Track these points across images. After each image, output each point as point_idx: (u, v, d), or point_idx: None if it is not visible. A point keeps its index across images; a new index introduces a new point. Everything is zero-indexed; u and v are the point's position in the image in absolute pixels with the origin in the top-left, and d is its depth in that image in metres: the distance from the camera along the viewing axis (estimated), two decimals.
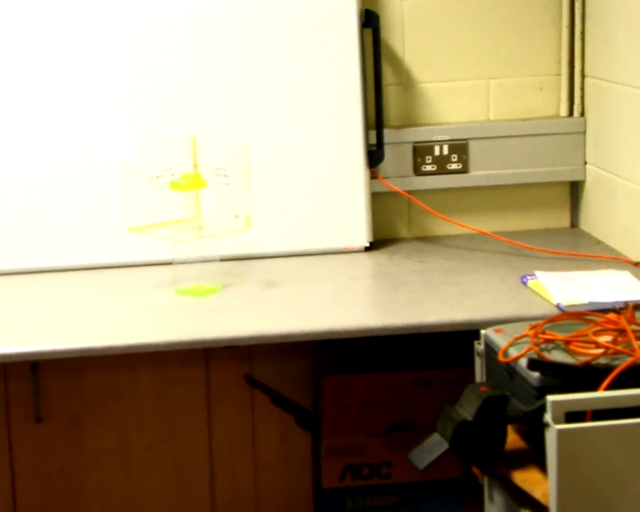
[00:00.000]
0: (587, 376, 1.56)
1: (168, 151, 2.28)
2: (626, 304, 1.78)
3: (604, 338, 1.64)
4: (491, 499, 1.80)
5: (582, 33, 2.54)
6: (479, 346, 1.80)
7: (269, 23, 2.42)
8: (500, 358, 1.68)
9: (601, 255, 2.36)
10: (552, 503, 1.49)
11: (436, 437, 1.63)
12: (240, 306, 2.13)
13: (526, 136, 2.57)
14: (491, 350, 1.75)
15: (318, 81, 2.44)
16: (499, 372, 1.71)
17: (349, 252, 2.48)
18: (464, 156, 2.56)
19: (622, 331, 1.65)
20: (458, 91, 2.59)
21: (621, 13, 2.34)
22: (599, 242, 2.49)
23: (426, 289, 2.19)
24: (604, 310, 1.79)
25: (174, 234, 2.22)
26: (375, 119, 2.50)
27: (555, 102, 2.61)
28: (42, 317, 2.12)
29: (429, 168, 2.56)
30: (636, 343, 1.61)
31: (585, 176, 2.59)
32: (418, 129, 2.57)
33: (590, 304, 1.98)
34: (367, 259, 2.46)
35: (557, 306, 2.00)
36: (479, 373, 1.81)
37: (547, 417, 1.47)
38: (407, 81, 2.58)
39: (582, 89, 2.57)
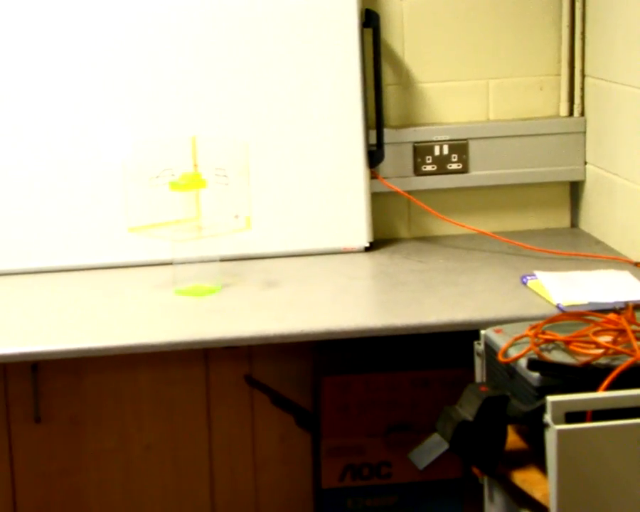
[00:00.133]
0: (587, 376, 1.56)
1: (168, 151, 2.28)
2: (626, 304, 1.78)
3: (604, 339, 1.64)
4: (491, 499, 1.80)
5: (582, 32, 2.54)
6: (479, 346, 1.80)
7: (269, 23, 2.42)
8: (500, 358, 1.67)
9: (601, 255, 2.36)
10: (552, 504, 1.49)
11: (436, 437, 1.63)
12: (239, 307, 2.13)
13: (526, 136, 2.57)
14: (490, 350, 1.75)
15: (318, 81, 2.44)
16: (499, 373, 1.71)
17: (349, 252, 2.48)
18: (464, 156, 2.56)
19: (622, 331, 1.65)
20: (458, 91, 2.59)
21: (622, 13, 2.34)
22: (599, 242, 2.49)
23: (426, 289, 2.19)
24: (604, 310, 1.79)
25: (174, 234, 2.22)
26: (375, 119, 2.50)
27: (555, 101, 2.61)
28: (42, 317, 2.12)
29: (429, 168, 2.56)
30: (636, 344, 1.61)
31: (585, 176, 2.59)
32: (418, 129, 2.56)
33: (590, 304, 1.98)
34: (367, 259, 2.45)
35: (557, 306, 2.00)
36: (479, 373, 1.81)
37: (547, 418, 1.47)
38: (407, 81, 2.58)
39: (582, 89, 2.57)
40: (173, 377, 2.58)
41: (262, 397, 2.55)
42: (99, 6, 2.38)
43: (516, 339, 1.69)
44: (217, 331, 1.99)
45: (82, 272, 2.41)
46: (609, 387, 1.52)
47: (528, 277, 2.18)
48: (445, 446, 1.60)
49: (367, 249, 2.50)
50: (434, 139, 2.56)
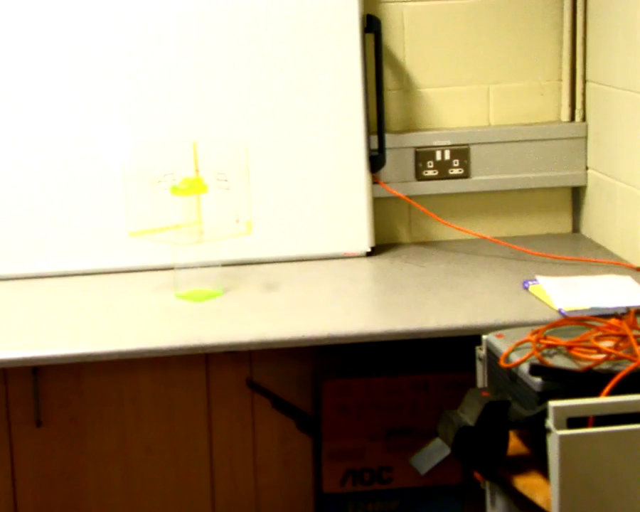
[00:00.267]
0: (589, 382, 1.55)
1: (169, 155, 2.28)
2: (628, 309, 1.78)
3: (606, 344, 1.64)
4: (493, 504, 1.80)
5: (584, 38, 2.54)
6: (481, 351, 1.80)
7: (271, 27, 2.42)
8: (502, 363, 1.67)
9: (602, 260, 2.36)
10: (553, 509, 1.48)
11: (437, 442, 1.63)
12: (240, 311, 2.13)
13: (527, 141, 2.57)
14: (492, 355, 1.75)
15: (319, 86, 2.44)
16: (501, 378, 1.70)
17: (350, 256, 2.48)
18: (466, 161, 2.56)
19: (624, 337, 1.65)
20: (459, 96, 2.59)
21: (623, 18, 2.34)
22: (600, 247, 2.49)
23: (427, 293, 2.19)
24: (605, 315, 1.78)
25: (175, 238, 2.21)
26: (377, 124, 2.50)
27: (556, 107, 2.61)
28: (42, 322, 2.12)
29: (430, 173, 2.56)
30: (637, 349, 1.61)
31: (586, 181, 2.59)
32: (419, 133, 2.57)
33: (592, 309, 1.98)
34: (368, 264, 2.45)
35: (559, 311, 2.00)
36: (481, 378, 1.81)
37: (549, 423, 1.47)
38: (408, 86, 2.58)
39: (584, 94, 2.57)
40: (174, 380, 2.58)
41: (263, 401, 2.55)
42: (99, 9, 2.38)
43: (518, 344, 1.69)
44: (217, 336, 1.99)
45: (83, 277, 2.40)
46: (611, 393, 1.52)
47: (530, 282, 2.18)
48: (447, 451, 1.60)
49: (368, 254, 2.49)
50: (436, 144, 2.56)
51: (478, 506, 1.90)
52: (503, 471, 1.62)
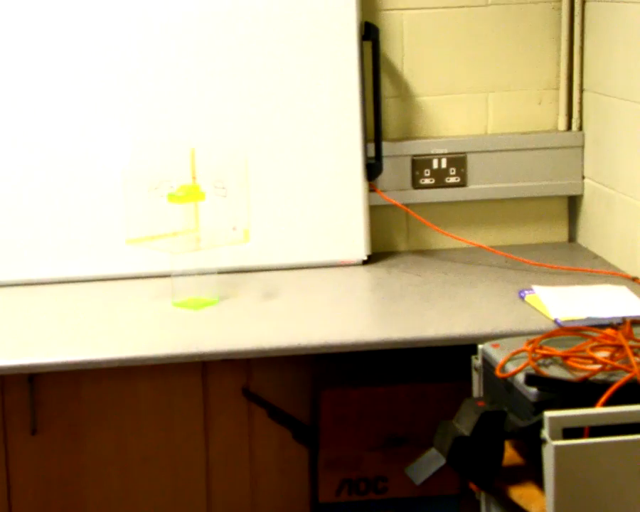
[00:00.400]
0: (585, 392, 1.55)
1: (167, 163, 2.28)
2: (624, 319, 1.78)
3: (602, 354, 1.64)
4: None
5: (581, 47, 2.54)
6: (477, 361, 1.80)
7: (269, 35, 2.42)
8: (498, 373, 1.67)
9: (599, 270, 2.36)
10: None
11: (433, 452, 1.63)
12: (237, 319, 2.13)
13: (524, 149, 2.57)
14: (488, 364, 1.75)
15: (317, 93, 2.44)
16: (497, 387, 1.70)
17: (347, 265, 2.48)
18: (463, 170, 2.56)
19: (620, 347, 1.65)
20: (456, 104, 2.59)
21: (620, 27, 2.34)
22: (596, 257, 2.49)
23: (423, 302, 2.19)
24: (601, 325, 1.79)
25: (172, 246, 2.21)
26: (374, 132, 2.50)
27: (553, 115, 2.61)
28: (39, 329, 2.12)
29: (427, 181, 2.56)
30: (633, 359, 1.61)
31: (583, 190, 2.59)
32: (416, 141, 2.57)
33: (588, 319, 1.98)
34: (365, 272, 2.45)
35: (555, 321, 2.00)
36: (477, 388, 1.81)
37: (545, 433, 1.47)
38: (405, 94, 2.58)
39: (581, 103, 2.57)
40: (171, 388, 2.57)
41: (260, 409, 2.54)
42: (98, 17, 2.38)
43: (514, 354, 1.69)
44: (214, 344, 1.99)
45: (80, 284, 2.40)
46: (607, 403, 1.52)
47: (526, 291, 2.18)
48: (442, 461, 1.60)
49: (365, 262, 2.49)
50: (433, 152, 2.56)
51: None
52: (499, 482, 1.62)
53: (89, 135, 2.41)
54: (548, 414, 1.47)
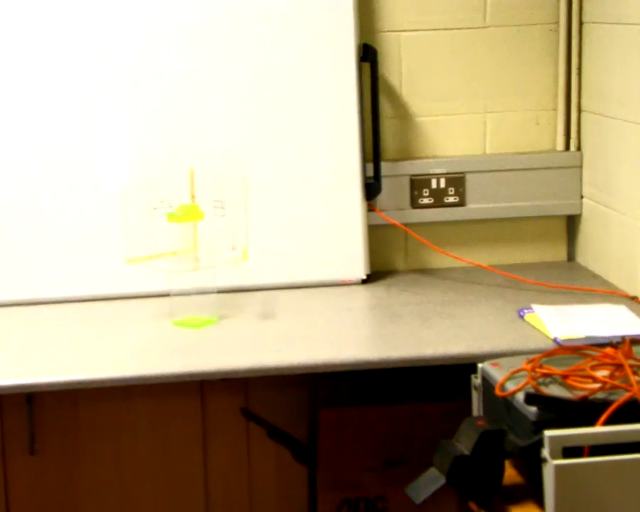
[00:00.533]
0: (585, 411, 1.55)
1: (165, 182, 2.28)
2: (623, 338, 1.77)
3: (602, 373, 1.64)
4: None
5: (579, 67, 2.55)
6: (476, 380, 1.80)
7: (268, 56, 2.43)
8: (498, 392, 1.67)
9: (598, 289, 2.36)
10: None
11: (433, 472, 1.62)
12: (236, 338, 2.13)
13: (523, 170, 2.58)
14: (488, 384, 1.74)
15: (316, 114, 2.45)
16: (496, 406, 1.70)
17: (346, 284, 2.48)
18: (461, 189, 2.57)
19: (619, 366, 1.65)
20: (455, 124, 2.60)
21: (617, 48, 2.35)
22: (595, 276, 2.49)
23: (422, 321, 2.19)
24: (601, 344, 1.78)
25: (171, 265, 2.21)
26: (373, 152, 2.51)
27: (551, 136, 2.62)
28: (37, 349, 2.12)
29: (426, 201, 2.56)
30: (633, 378, 1.60)
31: (582, 210, 2.59)
32: (415, 162, 2.57)
33: (587, 338, 1.98)
34: (364, 292, 2.45)
35: (554, 340, 2.00)
36: (476, 407, 1.80)
37: (545, 452, 1.47)
38: (404, 114, 2.59)
39: (579, 123, 2.58)
40: (169, 408, 2.57)
41: (258, 429, 2.54)
42: (98, 35, 2.39)
43: (513, 373, 1.69)
44: (213, 364, 1.99)
45: (78, 304, 2.40)
46: (607, 422, 1.52)
47: (525, 311, 2.18)
48: (442, 480, 1.60)
49: (364, 282, 2.50)
50: (431, 172, 2.56)
51: None
52: (499, 501, 1.62)
53: (89, 154, 2.41)
54: (548, 433, 1.47)
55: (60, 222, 2.42)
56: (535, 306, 2.20)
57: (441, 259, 2.58)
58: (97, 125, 2.41)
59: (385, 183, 2.53)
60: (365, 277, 2.50)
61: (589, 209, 2.57)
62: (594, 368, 1.66)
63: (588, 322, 2.10)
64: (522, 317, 2.17)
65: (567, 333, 2.02)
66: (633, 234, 2.32)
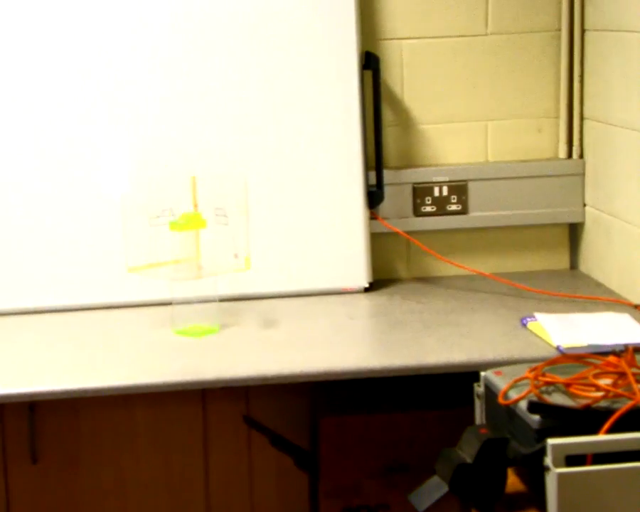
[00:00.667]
0: (587, 419, 1.55)
1: (167, 190, 2.28)
2: (626, 346, 1.77)
3: (604, 381, 1.63)
4: None
5: (581, 75, 2.55)
6: (479, 388, 1.79)
7: (270, 64, 2.43)
8: (501, 400, 1.67)
9: (600, 297, 2.35)
10: None
11: (435, 479, 1.62)
12: (238, 347, 2.13)
13: (525, 177, 2.58)
14: (490, 392, 1.74)
15: (318, 122, 2.45)
16: (499, 415, 1.70)
17: (348, 292, 2.48)
18: (464, 197, 2.57)
19: (622, 374, 1.64)
20: (457, 132, 2.60)
21: (620, 55, 2.35)
22: (598, 284, 2.49)
23: (425, 330, 2.19)
24: (604, 353, 1.78)
25: (173, 274, 2.21)
26: (375, 160, 2.51)
27: (553, 143, 2.62)
28: (39, 358, 2.12)
29: (428, 209, 2.56)
30: (636, 386, 1.60)
31: (584, 218, 2.59)
32: (417, 170, 2.57)
33: (590, 346, 1.98)
34: (366, 300, 2.45)
35: (557, 349, 2.00)
36: (479, 415, 1.80)
37: (548, 461, 1.46)
38: (406, 122, 2.59)
39: (581, 131, 2.58)
40: (171, 416, 2.56)
41: (260, 437, 2.53)
42: (97, 43, 2.39)
43: (516, 381, 1.68)
44: (215, 372, 1.99)
45: (80, 312, 2.40)
46: (610, 430, 1.52)
47: (528, 319, 2.18)
48: (445, 488, 1.59)
49: (366, 290, 2.49)
50: (434, 180, 2.56)
51: None
52: (501, 509, 1.61)
53: (90, 162, 2.41)
54: (551, 441, 1.47)
55: (61, 230, 2.42)
56: (537, 315, 2.19)
57: (444, 267, 2.58)
58: (98, 133, 2.41)
59: (388, 191, 2.53)
60: (367, 285, 2.50)
61: (591, 217, 2.56)
62: (597, 376, 1.65)
63: (591, 330, 2.09)
64: (525, 325, 2.16)
65: (569, 341, 2.02)
66: (637, 242, 2.31)
